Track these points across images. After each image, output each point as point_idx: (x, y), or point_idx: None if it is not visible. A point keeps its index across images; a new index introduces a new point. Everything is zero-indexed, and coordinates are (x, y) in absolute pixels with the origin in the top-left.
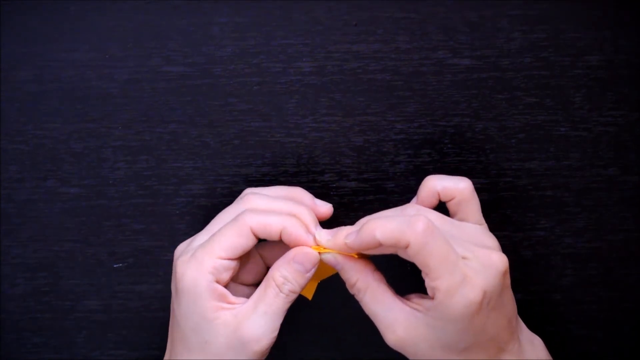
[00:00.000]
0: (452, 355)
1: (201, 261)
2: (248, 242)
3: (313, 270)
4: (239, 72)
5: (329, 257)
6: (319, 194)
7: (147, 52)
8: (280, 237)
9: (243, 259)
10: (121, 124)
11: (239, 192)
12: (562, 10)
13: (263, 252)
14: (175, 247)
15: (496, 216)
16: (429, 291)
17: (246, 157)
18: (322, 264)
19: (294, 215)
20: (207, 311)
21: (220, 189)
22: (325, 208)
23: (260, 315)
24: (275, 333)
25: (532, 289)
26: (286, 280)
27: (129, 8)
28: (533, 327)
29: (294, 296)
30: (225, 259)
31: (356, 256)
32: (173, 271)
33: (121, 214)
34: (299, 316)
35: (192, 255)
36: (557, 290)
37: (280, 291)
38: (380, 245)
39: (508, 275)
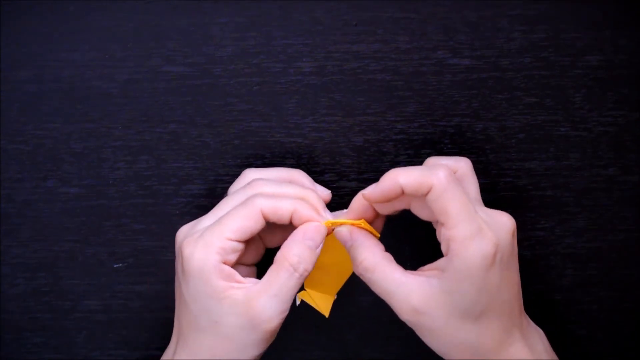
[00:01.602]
0: (468, 323)
1: (210, 242)
2: (257, 225)
3: (321, 245)
4: (239, 72)
5: (342, 231)
6: None
7: (147, 52)
8: (291, 220)
9: (244, 250)
10: (121, 124)
11: None
12: (562, 10)
13: (262, 233)
14: (174, 246)
15: None
16: (443, 246)
17: (246, 157)
18: (335, 269)
19: (302, 199)
20: (216, 291)
21: (220, 189)
22: (325, 194)
23: (272, 296)
24: (286, 313)
25: (532, 289)
26: (300, 259)
27: (129, 8)
28: None
29: (306, 275)
30: (233, 240)
31: (366, 226)
32: (178, 253)
33: (121, 214)
34: (299, 316)
35: (200, 236)
36: (557, 290)
37: (295, 271)
38: (401, 193)
39: (516, 238)
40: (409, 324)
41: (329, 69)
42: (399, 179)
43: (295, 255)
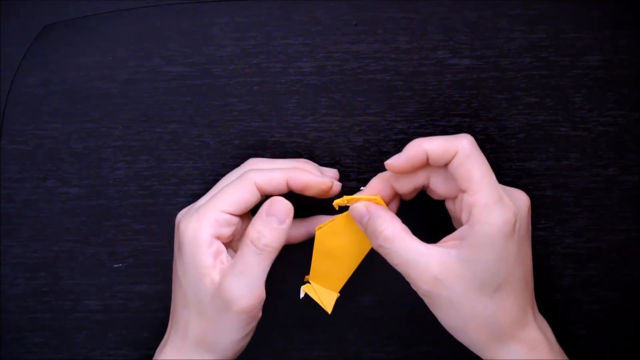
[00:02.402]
0: (486, 295)
1: (203, 214)
2: (252, 197)
3: (288, 222)
4: (239, 72)
5: (359, 206)
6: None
7: (147, 52)
8: (288, 187)
9: (241, 229)
10: (121, 124)
11: None
12: (562, 10)
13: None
14: (174, 246)
15: None
16: (464, 213)
17: (246, 157)
18: (342, 260)
19: (295, 168)
20: (202, 266)
21: None
22: (332, 173)
23: (237, 275)
24: (257, 293)
25: None
26: (260, 234)
27: (129, 8)
28: None
29: (270, 252)
30: (228, 213)
31: (381, 202)
32: (175, 231)
33: (121, 214)
34: (299, 316)
35: (195, 211)
36: (557, 290)
37: (256, 247)
38: (426, 161)
39: (530, 216)
40: (426, 297)
41: (329, 69)
42: (424, 145)
43: (255, 230)
